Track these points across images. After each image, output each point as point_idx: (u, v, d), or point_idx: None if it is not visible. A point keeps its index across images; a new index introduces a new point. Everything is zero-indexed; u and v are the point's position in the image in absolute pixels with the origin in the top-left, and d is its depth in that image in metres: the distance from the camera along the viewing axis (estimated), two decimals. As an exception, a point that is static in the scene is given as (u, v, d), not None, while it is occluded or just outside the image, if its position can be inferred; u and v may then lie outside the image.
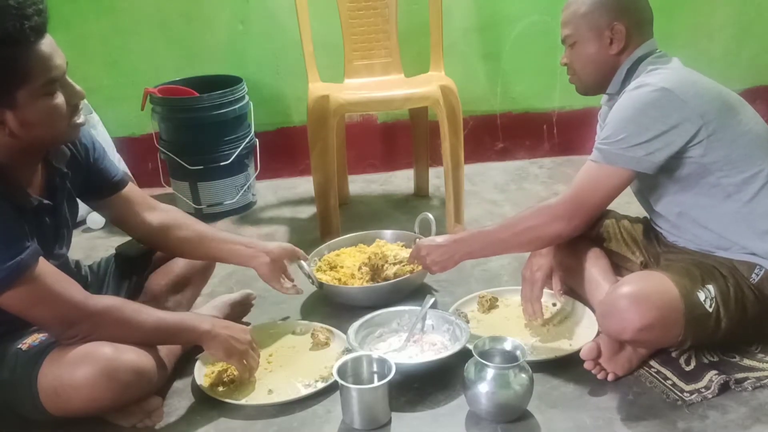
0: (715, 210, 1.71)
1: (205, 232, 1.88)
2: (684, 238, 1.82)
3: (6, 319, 1.52)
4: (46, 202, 1.57)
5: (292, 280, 1.96)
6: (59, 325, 1.49)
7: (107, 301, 1.57)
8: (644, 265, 1.92)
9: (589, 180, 1.71)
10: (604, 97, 1.96)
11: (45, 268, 1.47)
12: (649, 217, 1.95)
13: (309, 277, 2.02)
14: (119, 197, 1.78)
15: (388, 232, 2.36)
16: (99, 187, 1.76)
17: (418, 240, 2.04)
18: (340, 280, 2.11)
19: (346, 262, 2.18)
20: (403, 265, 2.11)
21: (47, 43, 1.39)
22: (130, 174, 1.82)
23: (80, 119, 1.51)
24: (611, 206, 2.09)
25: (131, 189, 1.81)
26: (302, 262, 2.00)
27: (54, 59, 1.40)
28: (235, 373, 1.72)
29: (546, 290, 2.09)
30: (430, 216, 2.19)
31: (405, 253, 2.14)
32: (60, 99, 1.43)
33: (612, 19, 1.76)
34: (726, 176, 1.67)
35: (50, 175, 1.60)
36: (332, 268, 2.18)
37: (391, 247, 2.20)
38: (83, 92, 1.49)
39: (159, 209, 1.85)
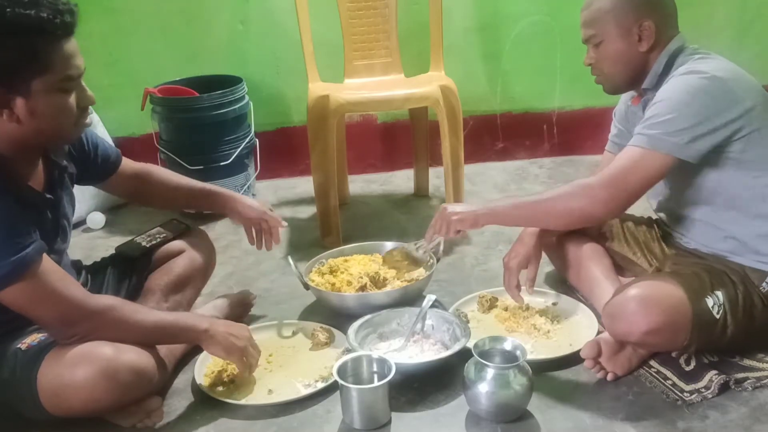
0: (746, 214, 1.68)
1: (179, 182, 1.96)
2: (698, 241, 1.80)
3: (5, 319, 1.52)
4: (48, 196, 1.58)
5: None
6: (59, 323, 1.49)
7: (107, 300, 1.57)
8: (655, 268, 1.91)
9: (630, 164, 1.65)
10: (624, 96, 1.93)
11: (48, 265, 1.47)
12: (664, 218, 1.93)
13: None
14: (117, 175, 1.86)
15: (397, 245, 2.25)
16: (99, 170, 1.82)
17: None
18: (334, 285, 2.06)
19: (352, 269, 2.13)
20: (402, 281, 2.08)
21: (72, 44, 1.43)
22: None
23: (86, 120, 1.55)
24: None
25: (124, 163, 1.88)
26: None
27: (75, 59, 1.44)
28: (235, 372, 1.72)
29: (544, 290, 2.10)
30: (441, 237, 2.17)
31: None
32: (72, 98, 1.46)
33: (639, 16, 1.72)
34: (761, 176, 1.65)
35: (50, 170, 1.61)
36: (332, 272, 2.13)
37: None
38: (94, 98, 1.52)
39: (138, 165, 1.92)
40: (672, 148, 1.62)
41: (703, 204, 1.75)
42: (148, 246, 1.94)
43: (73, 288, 1.51)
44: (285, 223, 2.01)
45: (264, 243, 1.99)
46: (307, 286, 2.05)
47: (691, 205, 1.78)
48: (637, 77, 1.79)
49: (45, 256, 1.47)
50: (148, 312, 1.62)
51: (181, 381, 1.79)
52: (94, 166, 1.79)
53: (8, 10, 1.31)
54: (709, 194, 1.72)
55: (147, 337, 1.60)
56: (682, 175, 1.72)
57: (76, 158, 1.73)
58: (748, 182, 1.67)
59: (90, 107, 1.56)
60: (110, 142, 2.09)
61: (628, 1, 1.74)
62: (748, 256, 1.70)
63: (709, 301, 1.61)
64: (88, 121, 1.56)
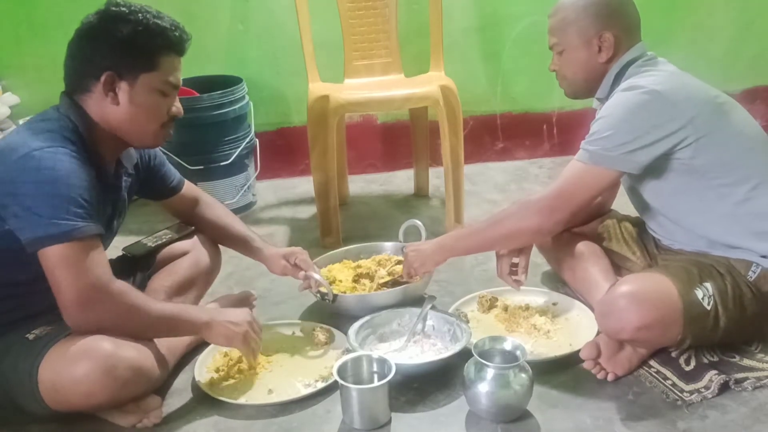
0: (710, 214, 1.71)
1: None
2: (679, 242, 1.82)
3: (17, 305, 1.56)
4: (122, 193, 1.73)
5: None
6: (76, 301, 1.48)
7: (122, 285, 1.57)
8: (647, 266, 1.92)
9: (575, 179, 1.73)
10: (595, 100, 1.97)
11: (96, 244, 1.52)
12: (647, 223, 1.95)
13: (318, 293, 1.96)
14: (174, 199, 1.96)
15: (388, 245, 2.28)
16: (157, 189, 1.93)
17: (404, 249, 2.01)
18: (345, 293, 2.02)
19: (339, 276, 2.11)
20: (395, 264, 2.10)
21: (179, 61, 1.66)
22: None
23: (168, 133, 1.71)
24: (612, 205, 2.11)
25: (186, 189, 1.99)
26: (313, 273, 1.94)
27: (177, 72, 1.66)
28: (237, 367, 1.74)
29: (544, 290, 2.10)
30: (419, 222, 2.18)
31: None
32: (166, 103, 1.65)
33: (600, 28, 1.77)
34: (718, 177, 1.68)
35: (119, 172, 1.73)
36: (331, 282, 2.08)
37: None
38: (182, 112, 1.70)
39: (201, 202, 2.02)
40: (612, 162, 1.67)
41: (667, 209, 1.79)
42: (152, 246, 1.94)
43: (105, 271, 1.52)
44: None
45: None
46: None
47: (659, 210, 1.81)
48: (596, 86, 1.85)
49: (99, 239, 1.52)
50: (154, 301, 1.63)
51: (181, 381, 1.79)
52: (153, 184, 1.91)
53: (147, 15, 1.58)
54: (669, 199, 1.75)
55: (152, 326, 1.60)
56: (641, 184, 1.77)
57: (141, 171, 1.84)
58: (704, 185, 1.69)
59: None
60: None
61: (591, 12, 1.78)
62: (726, 250, 1.72)
63: (699, 293, 1.62)
64: (169, 135, 1.72)
